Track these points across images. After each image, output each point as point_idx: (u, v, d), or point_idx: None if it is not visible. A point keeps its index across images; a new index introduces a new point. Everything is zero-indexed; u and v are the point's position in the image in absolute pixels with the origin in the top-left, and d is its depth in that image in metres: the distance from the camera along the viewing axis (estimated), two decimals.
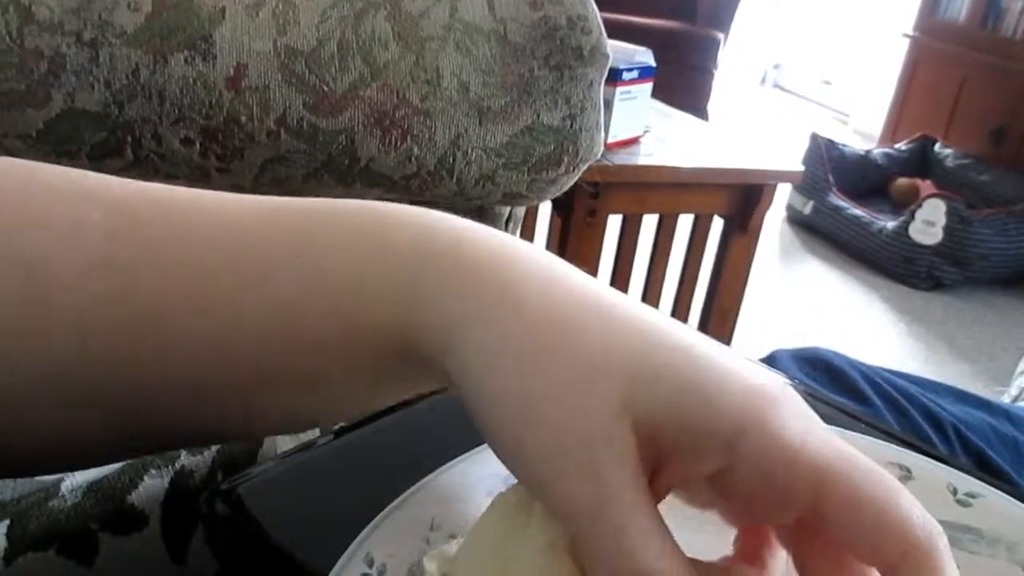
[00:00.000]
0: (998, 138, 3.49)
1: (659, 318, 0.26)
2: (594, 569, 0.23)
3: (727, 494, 0.25)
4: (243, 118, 0.62)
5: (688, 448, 0.24)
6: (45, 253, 0.27)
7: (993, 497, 0.38)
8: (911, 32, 3.95)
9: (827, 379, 0.63)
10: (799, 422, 0.24)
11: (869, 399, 0.60)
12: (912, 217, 2.85)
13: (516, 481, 0.26)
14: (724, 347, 0.26)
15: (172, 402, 0.29)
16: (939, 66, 3.82)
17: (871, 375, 0.67)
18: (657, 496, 0.24)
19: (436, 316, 0.26)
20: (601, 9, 0.65)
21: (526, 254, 0.27)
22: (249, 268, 0.28)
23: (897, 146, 3.62)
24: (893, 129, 4.03)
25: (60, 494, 0.44)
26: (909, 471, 0.38)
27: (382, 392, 0.32)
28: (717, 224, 1.88)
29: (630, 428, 0.23)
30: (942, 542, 0.22)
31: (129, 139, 0.63)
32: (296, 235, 0.28)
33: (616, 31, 1.36)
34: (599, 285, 0.27)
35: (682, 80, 3.68)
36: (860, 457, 0.23)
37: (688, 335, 0.25)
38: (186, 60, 0.61)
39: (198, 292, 0.27)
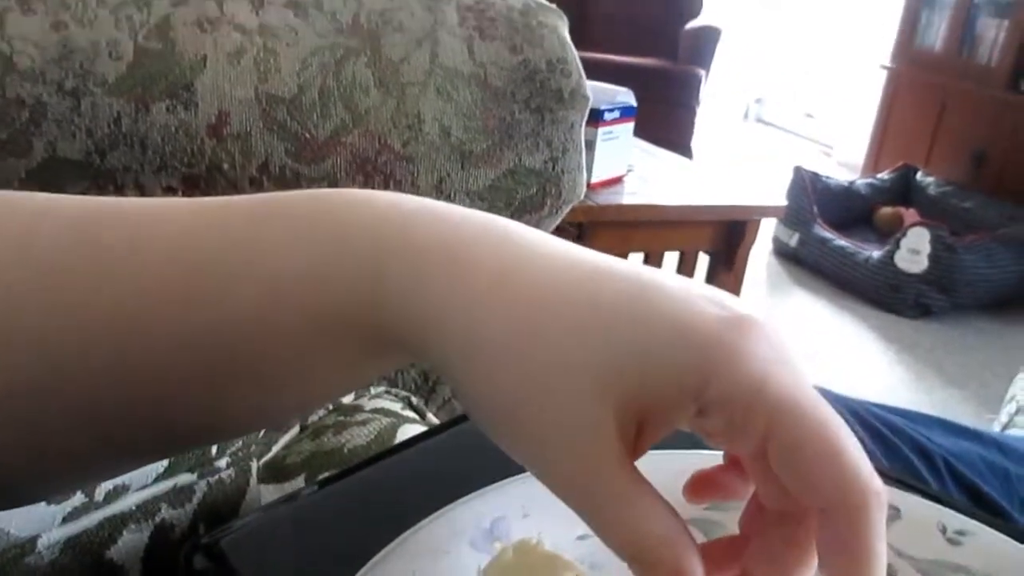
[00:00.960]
0: (979, 164, 3.53)
1: (608, 277, 0.26)
2: (601, 538, 0.25)
3: (698, 427, 0.26)
4: (225, 165, 0.62)
5: (662, 409, 0.25)
6: None
7: (984, 535, 0.37)
8: (888, 63, 4.01)
9: None
10: (759, 359, 0.24)
11: (857, 434, 0.59)
12: (897, 246, 2.87)
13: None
14: (679, 281, 0.27)
15: (139, 409, 0.28)
16: (918, 95, 3.88)
17: (858, 410, 0.66)
18: (642, 450, 0.26)
19: (406, 318, 0.27)
20: (581, 49, 0.66)
21: (479, 235, 0.27)
22: (206, 279, 0.27)
23: (880, 176, 3.66)
24: (875, 159, 4.07)
25: (36, 550, 0.43)
26: (898, 510, 0.38)
27: (360, 376, 0.32)
28: (704, 259, 1.89)
29: (609, 412, 0.24)
30: (875, 501, 0.23)
31: (111, 188, 0.63)
32: (251, 239, 0.28)
33: (597, 71, 1.38)
34: (545, 256, 0.27)
35: (665, 118, 3.72)
36: (815, 403, 0.24)
37: (640, 291, 0.26)
38: (168, 108, 0.61)
39: (155, 305, 0.27)
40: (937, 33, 3.82)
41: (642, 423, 0.25)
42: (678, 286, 0.26)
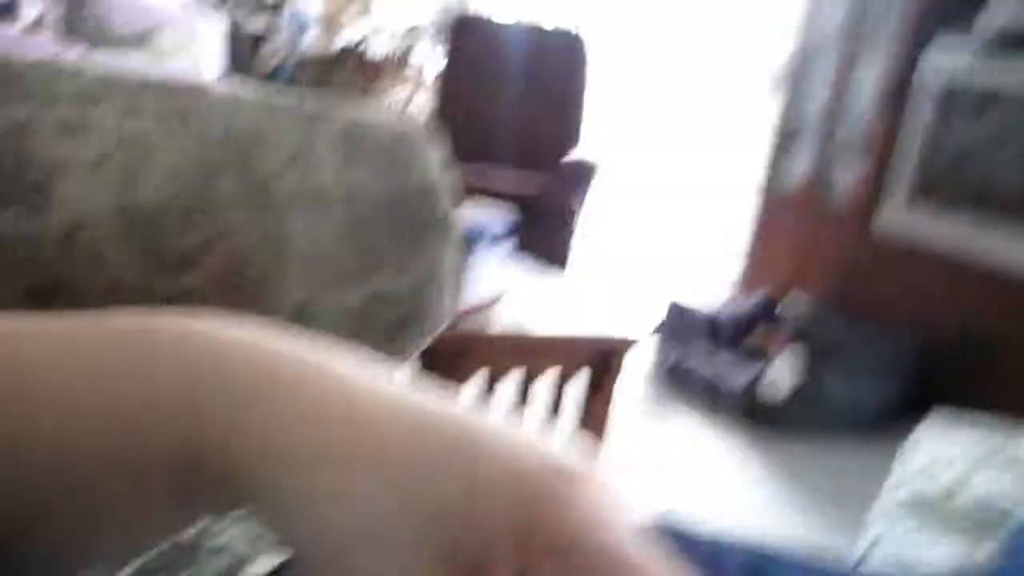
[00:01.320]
0: (842, 291, 3.77)
1: (434, 425, 0.26)
2: None
3: None
4: (75, 279, 0.59)
5: (487, 562, 0.24)
6: None
7: None
8: (756, 195, 4.30)
9: (677, 548, 0.63)
10: (584, 512, 0.24)
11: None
12: (766, 368, 2.99)
13: None
14: (508, 430, 0.26)
15: None
16: (783, 226, 4.15)
17: (714, 554, 0.66)
18: None
19: (228, 457, 0.26)
20: (462, 161, 0.67)
21: (293, 374, 0.27)
22: (17, 404, 0.26)
23: (749, 302, 3.84)
24: (745, 286, 4.29)
25: None
26: None
27: (190, 517, 0.30)
28: (583, 376, 1.92)
29: (430, 564, 0.24)
30: None
31: None
32: (63, 366, 0.27)
33: (475, 193, 1.41)
34: (368, 409, 0.26)
35: (545, 237, 3.82)
36: (637, 561, 0.23)
37: (466, 440, 0.25)
38: (15, 215, 0.58)
39: None
40: (795, 175, 4.13)
41: (477, 567, 0.24)
42: (506, 435, 0.26)
